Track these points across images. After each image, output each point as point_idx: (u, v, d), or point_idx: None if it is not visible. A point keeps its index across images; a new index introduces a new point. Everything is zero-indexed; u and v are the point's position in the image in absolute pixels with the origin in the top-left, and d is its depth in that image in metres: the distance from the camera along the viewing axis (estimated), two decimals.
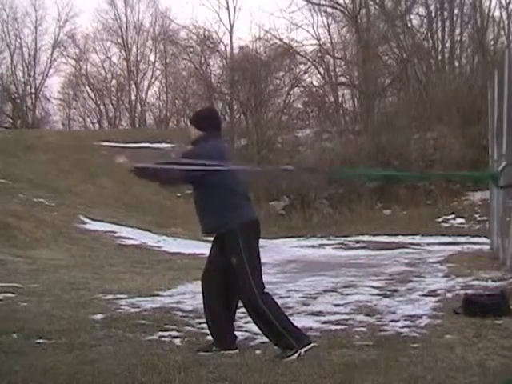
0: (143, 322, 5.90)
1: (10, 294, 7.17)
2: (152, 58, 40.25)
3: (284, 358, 4.55)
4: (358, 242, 16.42)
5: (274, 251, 13.91)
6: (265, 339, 4.91)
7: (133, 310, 6.53)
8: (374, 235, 17.33)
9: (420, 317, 6.05)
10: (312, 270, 10.44)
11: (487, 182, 14.03)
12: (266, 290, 4.81)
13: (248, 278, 4.69)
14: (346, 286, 8.28)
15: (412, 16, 28.19)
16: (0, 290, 7.37)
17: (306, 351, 4.62)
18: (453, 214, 19.36)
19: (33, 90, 40.06)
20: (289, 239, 17.49)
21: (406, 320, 5.96)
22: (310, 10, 30.04)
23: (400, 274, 9.52)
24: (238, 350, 4.84)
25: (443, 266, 10.31)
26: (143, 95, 40.49)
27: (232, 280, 4.80)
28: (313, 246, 16.14)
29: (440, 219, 19.13)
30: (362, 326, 5.74)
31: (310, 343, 4.70)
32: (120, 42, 40.45)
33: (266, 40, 28.38)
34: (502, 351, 4.66)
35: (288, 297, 7.42)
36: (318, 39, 29.94)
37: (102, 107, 41.20)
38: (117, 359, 4.49)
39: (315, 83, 29.92)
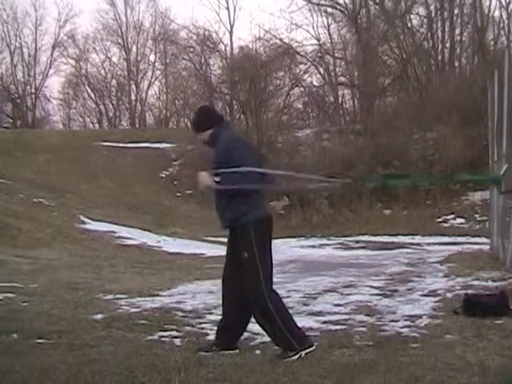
0: (143, 321, 5.89)
1: (10, 294, 7.17)
2: (152, 58, 40.39)
3: (284, 358, 4.54)
4: (357, 241, 16.42)
5: (274, 251, 13.85)
6: (265, 339, 4.91)
7: (133, 310, 6.52)
8: (374, 235, 17.34)
9: (420, 317, 6.05)
10: (312, 270, 10.43)
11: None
12: (273, 288, 4.77)
13: (258, 273, 4.67)
14: (345, 286, 8.27)
15: (412, 16, 28.27)
16: (0, 289, 7.37)
17: (306, 353, 4.60)
18: (453, 214, 19.36)
19: (33, 90, 40.15)
20: (289, 239, 17.46)
21: (406, 320, 5.96)
22: (310, 10, 30.16)
23: (400, 274, 9.51)
24: (238, 350, 4.83)
25: (443, 266, 10.30)
26: (143, 95, 40.60)
27: (242, 275, 4.73)
28: (313, 246, 16.14)
29: (440, 219, 19.13)
30: (362, 326, 5.73)
31: (311, 346, 4.68)
32: (120, 42, 40.55)
33: (266, 40, 28.44)
34: (502, 351, 4.66)
35: (288, 297, 7.40)
36: (318, 39, 30.05)
37: (102, 107, 41.25)
38: (117, 359, 4.48)
39: (315, 83, 30.02)
